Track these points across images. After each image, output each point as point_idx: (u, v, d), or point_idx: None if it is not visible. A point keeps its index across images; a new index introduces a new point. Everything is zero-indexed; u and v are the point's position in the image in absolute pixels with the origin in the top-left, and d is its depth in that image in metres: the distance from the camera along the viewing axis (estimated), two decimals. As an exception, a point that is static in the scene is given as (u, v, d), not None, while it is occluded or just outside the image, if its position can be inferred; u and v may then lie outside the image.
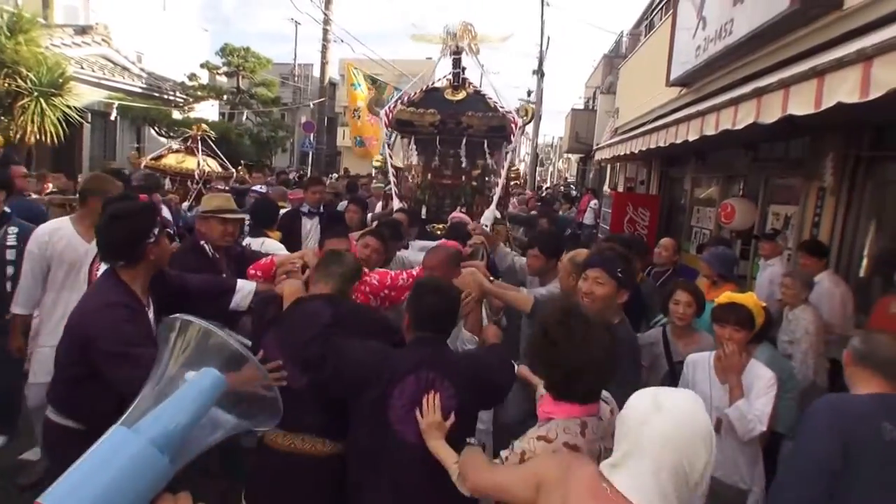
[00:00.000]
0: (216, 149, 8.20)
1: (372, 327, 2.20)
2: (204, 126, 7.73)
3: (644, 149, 6.30)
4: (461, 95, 5.50)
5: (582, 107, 22.66)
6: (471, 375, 1.96)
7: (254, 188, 6.80)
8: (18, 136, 7.51)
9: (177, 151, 7.73)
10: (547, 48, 16.91)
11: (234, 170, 8.29)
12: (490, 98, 5.59)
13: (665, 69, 6.70)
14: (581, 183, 22.50)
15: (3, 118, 7.50)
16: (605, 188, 15.02)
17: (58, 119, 7.75)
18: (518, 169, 6.28)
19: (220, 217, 3.05)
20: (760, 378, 2.46)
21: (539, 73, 18.02)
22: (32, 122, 7.41)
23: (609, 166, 15.53)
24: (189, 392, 0.89)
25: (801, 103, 2.89)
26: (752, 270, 6.26)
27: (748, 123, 3.48)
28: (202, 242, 3.03)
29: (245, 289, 2.50)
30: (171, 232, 4.02)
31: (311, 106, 19.65)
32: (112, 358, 1.86)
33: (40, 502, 0.73)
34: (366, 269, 2.81)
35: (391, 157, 6.25)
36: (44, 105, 7.57)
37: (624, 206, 9.36)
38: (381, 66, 18.06)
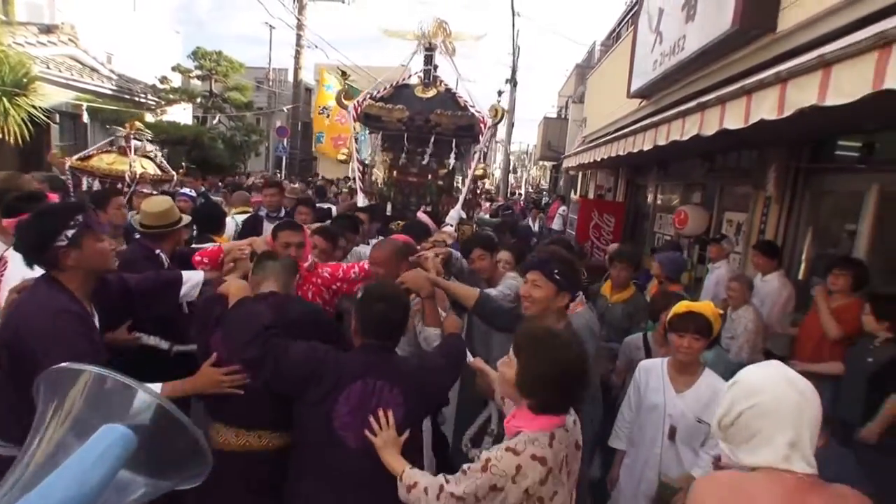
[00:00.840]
0: (156, 149, 7.81)
1: (317, 331, 2.13)
2: (138, 124, 7.29)
3: (606, 157, 6.57)
4: (432, 93, 5.49)
5: (555, 115, 23.12)
6: (419, 382, 1.96)
7: (182, 192, 6.36)
8: None
9: (107, 152, 7.24)
10: (518, 57, 17.23)
11: (174, 173, 7.92)
12: (461, 97, 5.55)
13: (627, 81, 7.01)
14: (553, 190, 22.89)
15: None
16: (573, 195, 15.38)
17: (22, 119, 7.64)
18: (485, 167, 6.12)
19: (180, 229, 3.05)
20: (717, 392, 2.34)
21: (512, 81, 18.34)
22: None
23: (581, 174, 15.91)
24: (86, 457, 0.72)
25: (734, 119, 3.14)
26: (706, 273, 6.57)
27: (693, 135, 3.74)
28: (157, 251, 2.92)
29: (193, 279, 2.41)
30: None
31: (286, 111, 19.63)
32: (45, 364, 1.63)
33: None
34: (318, 262, 2.83)
35: (357, 151, 6.15)
36: (7, 104, 7.45)
37: (590, 212, 9.67)
38: (356, 71, 18.15)
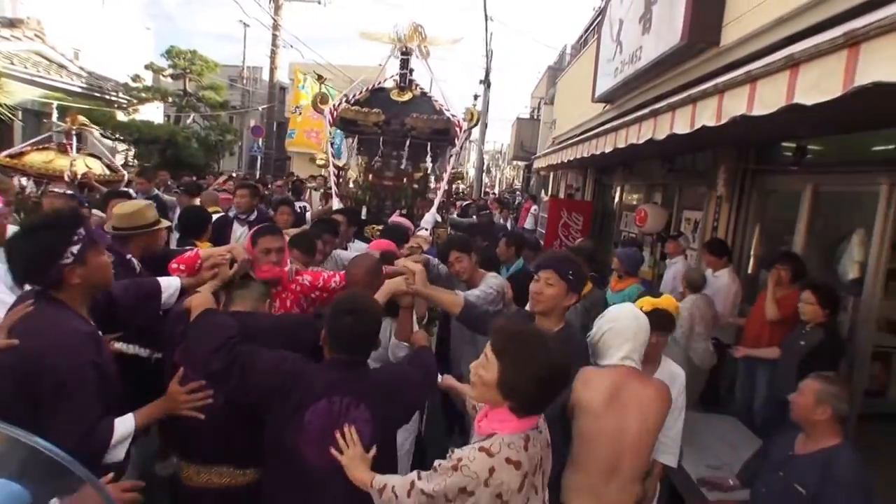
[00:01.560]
0: (101, 146, 7.55)
1: (286, 341, 2.04)
2: (81, 118, 6.81)
3: (572, 158, 6.91)
4: (407, 96, 5.46)
5: (528, 116, 23.54)
6: (388, 397, 1.90)
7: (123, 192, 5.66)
8: None
9: (44, 148, 6.64)
10: (491, 59, 17.58)
11: (124, 172, 7.29)
12: (436, 100, 5.55)
13: (592, 86, 7.37)
14: (525, 189, 23.32)
15: None
16: (542, 195, 15.78)
17: None
18: (459, 171, 6.29)
19: (161, 229, 2.96)
20: (676, 377, 2.59)
21: (485, 82, 18.67)
22: None
23: (552, 174, 16.33)
24: None
25: (682, 125, 3.47)
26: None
27: (648, 138, 4.07)
28: (128, 256, 2.83)
29: (171, 286, 2.32)
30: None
31: (261, 110, 19.59)
32: (64, 396, 1.62)
33: None
34: (298, 268, 2.78)
35: (333, 155, 6.04)
36: None
37: (559, 211, 10.01)
38: (331, 71, 18.25)
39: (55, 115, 8.96)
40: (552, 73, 20.76)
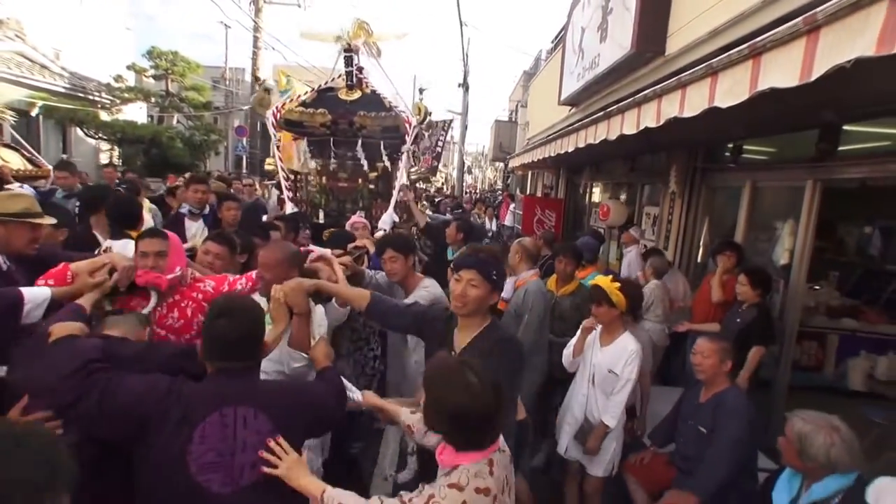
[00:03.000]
0: (24, 141, 6.96)
1: (164, 371, 1.74)
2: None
3: (542, 158, 7.34)
4: (356, 95, 5.23)
5: (506, 118, 24.08)
6: (287, 404, 1.72)
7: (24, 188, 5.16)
8: None
9: None
10: (468, 63, 18.02)
11: (49, 167, 6.69)
12: (386, 98, 5.31)
13: (558, 90, 7.83)
14: (505, 189, 23.83)
15: None
16: (518, 193, 16.27)
17: None
18: (424, 172, 6.37)
19: (31, 223, 2.50)
20: (626, 349, 2.98)
21: (464, 86, 19.10)
22: None
23: (530, 174, 16.83)
24: None
25: (630, 125, 3.90)
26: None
27: (602, 139, 4.50)
28: None
29: (37, 298, 2.08)
30: None
31: (245, 110, 19.75)
32: None
33: None
34: (197, 274, 2.55)
35: (281, 159, 5.72)
36: None
37: (533, 208, 10.48)
38: (313, 73, 18.50)
39: (35, 111, 8.93)
40: (528, 77, 21.32)
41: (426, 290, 3.15)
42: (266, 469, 1.60)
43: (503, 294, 3.39)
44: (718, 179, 5.58)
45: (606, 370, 3.01)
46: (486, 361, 2.14)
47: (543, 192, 14.61)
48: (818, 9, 1.81)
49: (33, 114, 10.14)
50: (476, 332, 2.18)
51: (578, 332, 3.27)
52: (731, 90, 2.63)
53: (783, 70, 2.14)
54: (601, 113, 4.52)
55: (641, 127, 3.67)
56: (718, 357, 2.74)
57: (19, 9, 12.77)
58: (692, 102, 3.04)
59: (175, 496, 1.57)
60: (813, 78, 1.85)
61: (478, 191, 34.89)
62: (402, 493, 1.58)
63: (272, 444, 1.62)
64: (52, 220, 2.73)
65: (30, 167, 6.38)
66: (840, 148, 4.01)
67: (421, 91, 18.55)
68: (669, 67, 4.50)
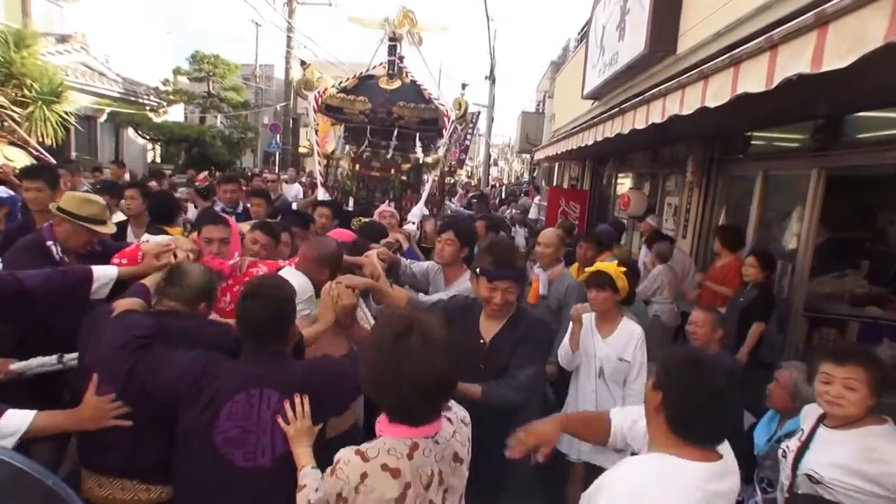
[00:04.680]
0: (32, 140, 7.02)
1: (204, 340, 1.90)
2: None
3: (566, 150, 7.67)
4: (396, 84, 5.21)
5: (532, 110, 24.22)
6: (310, 389, 1.77)
7: None
8: (21, 140, 8.27)
9: None
10: (495, 57, 18.31)
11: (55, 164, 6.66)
12: (426, 89, 5.30)
13: (581, 84, 8.13)
14: (531, 182, 24.02)
15: (11, 124, 8.23)
16: (543, 185, 16.52)
17: (57, 123, 8.53)
18: (453, 164, 6.26)
19: (92, 229, 2.67)
20: (633, 334, 2.88)
21: (490, 78, 19.39)
22: (37, 127, 8.16)
23: (557, 165, 17.07)
24: None
25: (641, 121, 4.24)
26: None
27: (617, 133, 4.84)
28: (49, 242, 2.62)
29: (105, 276, 2.21)
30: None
31: (278, 108, 20.51)
32: None
33: None
34: (254, 260, 2.64)
35: (318, 143, 5.70)
36: (46, 112, 8.32)
37: (557, 199, 10.74)
38: (340, 69, 19.08)
39: (104, 117, 9.66)
40: (555, 67, 21.39)
41: (467, 284, 2.98)
42: (280, 422, 1.71)
43: (540, 290, 3.60)
44: (735, 169, 5.84)
45: (616, 359, 2.88)
46: (519, 348, 2.24)
47: (570, 184, 14.83)
48: (826, 4, 1.89)
49: (101, 120, 11.17)
50: (505, 321, 2.29)
51: (570, 325, 3.03)
52: (717, 93, 2.96)
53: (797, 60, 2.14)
54: (616, 109, 4.86)
55: (650, 122, 4.01)
56: (711, 326, 3.09)
57: (81, 22, 13.85)
58: (689, 102, 3.36)
59: (202, 464, 1.72)
60: (823, 69, 1.91)
61: (503, 183, 35.01)
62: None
63: (297, 399, 1.72)
64: (112, 230, 2.87)
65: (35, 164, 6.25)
66: (851, 137, 4.25)
67: (463, 87, 18.77)
68: (680, 65, 4.77)
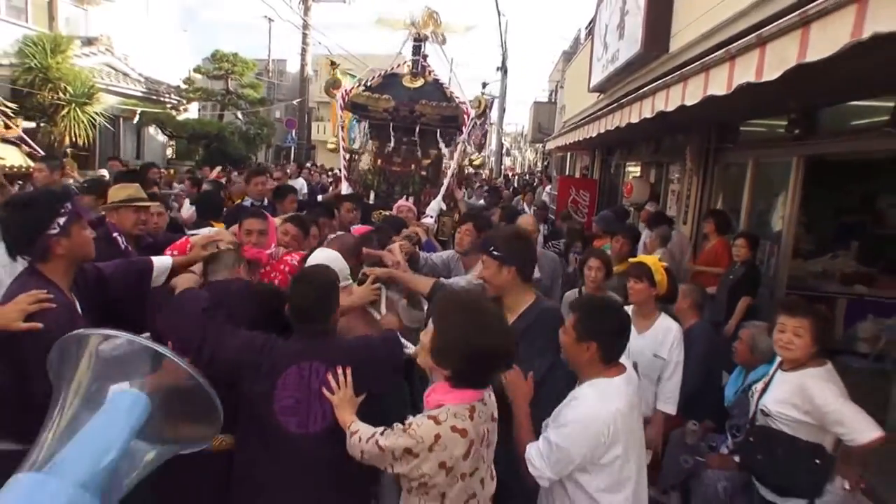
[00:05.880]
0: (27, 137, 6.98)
1: (256, 306, 2.16)
2: None
3: (574, 141, 8.08)
4: (419, 83, 5.42)
5: (545, 99, 24.43)
6: (355, 360, 1.96)
7: None
8: (58, 140, 8.92)
9: None
10: (507, 50, 18.62)
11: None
12: (447, 88, 5.52)
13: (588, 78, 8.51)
14: (544, 171, 24.31)
15: (46, 125, 8.87)
16: (554, 174, 16.87)
17: (90, 124, 9.15)
18: (472, 157, 6.22)
19: (134, 206, 3.07)
20: (670, 331, 2.94)
21: (502, 69, 19.72)
22: (71, 128, 8.75)
23: (569, 155, 17.39)
24: (108, 419, 0.68)
25: (635, 115, 4.65)
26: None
27: (616, 125, 5.25)
28: (115, 234, 2.93)
29: (162, 265, 2.40)
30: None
31: (294, 104, 21.04)
32: (39, 363, 1.61)
33: None
34: (288, 250, 2.88)
35: (344, 139, 6.01)
36: (79, 113, 8.93)
37: (567, 188, 11.12)
38: (351, 61, 19.47)
39: (136, 118, 10.13)
40: (567, 57, 21.57)
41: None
42: (325, 392, 1.89)
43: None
44: (730, 157, 6.23)
45: (651, 355, 2.92)
46: (525, 339, 2.16)
47: (582, 173, 15.17)
48: (809, 6, 2.07)
49: (135, 121, 11.71)
50: (522, 311, 2.26)
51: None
52: (693, 93, 3.39)
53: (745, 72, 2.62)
54: (615, 104, 5.28)
55: (643, 117, 4.45)
56: (687, 298, 3.53)
57: (104, 24, 14.22)
58: (672, 100, 3.81)
59: (262, 429, 1.93)
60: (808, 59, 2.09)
61: (515, 173, 35.20)
62: (395, 423, 1.69)
63: (339, 371, 1.90)
64: (156, 203, 3.23)
65: (31, 164, 6.13)
66: (826, 126, 4.64)
67: (484, 85, 19.10)
68: (672, 63, 5.16)
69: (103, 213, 3.10)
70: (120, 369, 0.73)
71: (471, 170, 7.80)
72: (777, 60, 2.32)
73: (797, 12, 2.21)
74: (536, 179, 21.22)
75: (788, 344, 2.44)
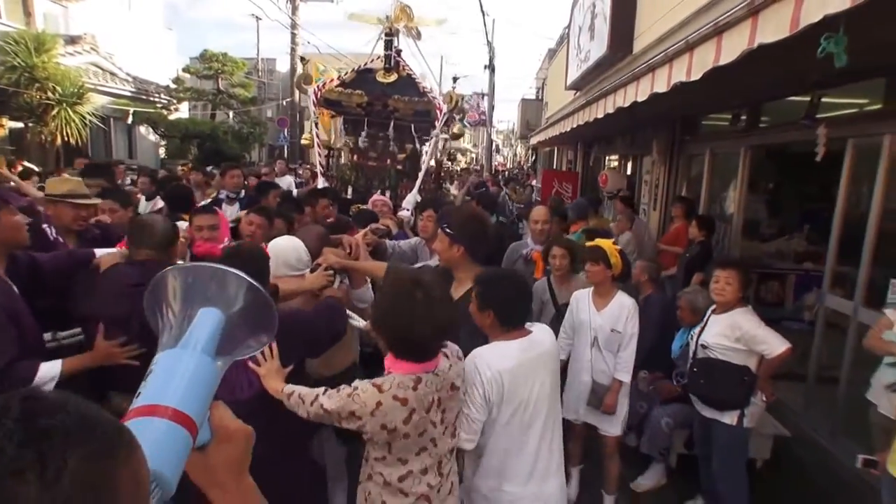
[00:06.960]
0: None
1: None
2: None
3: (553, 136, 8.61)
4: (392, 78, 5.44)
5: (532, 96, 24.94)
6: (283, 331, 2.33)
7: None
8: (49, 140, 9.04)
9: None
10: (493, 49, 19.11)
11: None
12: (420, 82, 5.60)
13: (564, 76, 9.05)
14: (532, 166, 24.86)
15: (35, 125, 8.91)
16: (539, 168, 17.40)
17: (81, 123, 9.17)
18: (452, 151, 6.63)
19: (72, 203, 2.96)
20: (624, 307, 3.12)
21: (490, 67, 20.19)
22: (63, 128, 8.81)
23: (556, 150, 17.93)
24: (205, 315, 0.90)
25: (601, 111, 5.17)
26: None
27: (587, 121, 5.78)
28: (45, 225, 2.90)
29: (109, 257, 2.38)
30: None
31: (284, 103, 21.36)
32: None
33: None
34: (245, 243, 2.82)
35: (318, 135, 5.99)
36: (70, 113, 8.98)
37: (551, 181, 11.66)
38: (343, 61, 19.79)
39: (130, 118, 10.30)
40: (552, 55, 22.10)
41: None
42: (251, 365, 1.88)
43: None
44: (691, 148, 6.78)
45: (609, 330, 3.12)
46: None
47: (567, 167, 15.71)
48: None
49: (128, 121, 11.64)
50: (470, 286, 2.34)
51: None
52: (647, 90, 3.90)
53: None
54: (584, 101, 5.81)
55: (608, 112, 4.97)
56: (640, 270, 4.09)
57: (86, 21, 13.91)
58: (628, 97, 4.32)
59: None
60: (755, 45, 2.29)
61: (506, 169, 35.72)
62: (342, 385, 1.75)
63: (266, 349, 1.87)
64: (96, 201, 3.16)
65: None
66: (767, 120, 5.21)
67: (454, 80, 19.47)
68: (636, 63, 5.69)
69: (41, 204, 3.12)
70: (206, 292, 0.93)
71: (453, 166, 7.93)
72: (717, 56, 2.84)
73: (712, 24, 2.75)
74: (522, 175, 21.75)
75: (722, 291, 3.06)
